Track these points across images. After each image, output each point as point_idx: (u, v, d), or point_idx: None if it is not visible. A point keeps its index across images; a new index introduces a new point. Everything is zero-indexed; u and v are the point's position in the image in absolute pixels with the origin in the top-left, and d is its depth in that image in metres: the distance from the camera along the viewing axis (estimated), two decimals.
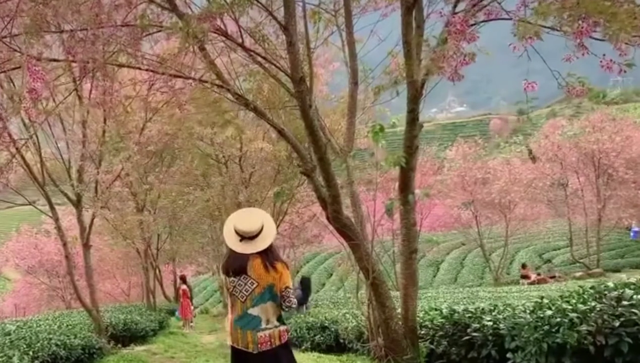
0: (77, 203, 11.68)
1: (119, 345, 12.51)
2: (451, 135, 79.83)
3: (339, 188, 5.80)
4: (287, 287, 4.17)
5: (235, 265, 4.17)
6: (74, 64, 4.97)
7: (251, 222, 4.14)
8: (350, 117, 6.71)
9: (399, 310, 6.41)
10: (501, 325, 5.20)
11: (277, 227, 18.15)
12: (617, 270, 32.54)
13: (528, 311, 4.91)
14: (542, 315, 4.60)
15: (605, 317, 4.25)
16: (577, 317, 4.35)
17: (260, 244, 4.12)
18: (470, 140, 35.47)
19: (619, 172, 31.02)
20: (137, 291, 31.02)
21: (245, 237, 4.12)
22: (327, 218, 5.98)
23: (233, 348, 4.24)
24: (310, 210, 20.51)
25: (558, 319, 4.44)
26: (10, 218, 59.60)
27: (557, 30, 4.24)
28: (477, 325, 5.65)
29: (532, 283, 28.52)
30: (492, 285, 31.30)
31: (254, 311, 4.12)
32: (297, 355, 10.11)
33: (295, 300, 4.27)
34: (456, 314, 6.11)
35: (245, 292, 4.12)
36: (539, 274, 30.90)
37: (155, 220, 17.53)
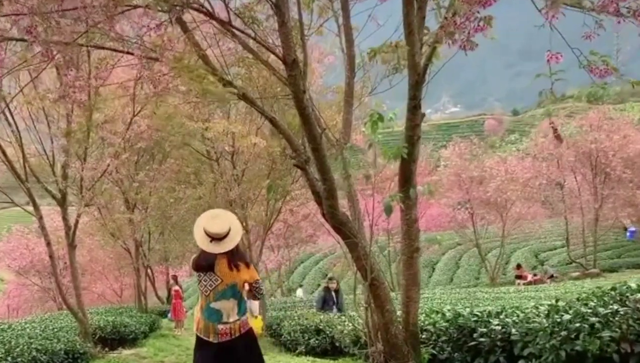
0: (62, 201, 11.24)
1: (107, 349, 12.09)
2: (445, 136, 79.76)
3: (335, 182, 5.37)
4: (256, 280, 4.75)
5: (205, 263, 4.60)
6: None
7: (220, 225, 4.56)
8: (346, 107, 6.28)
9: (398, 313, 6.00)
10: (513, 330, 4.75)
11: (271, 226, 17.87)
12: (614, 270, 32.39)
13: (542, 315, 4.48)
14: (559, 320, 4.17)
15: (630, 322, 3.84)
16: (599, 322, 3.94)
17: (228, 244, 4.56)
18: (467, 139, 35.19)
19: (616, 171, 30.75)
20: (129, 292, 30.56)
21: (215, 238, 4.53)
22: (322, 214, 5.54)
23: (197, 337, 4.70)
24: (307, 208, 20.06)
25: (577, 324, 4.01)
26: (2, 220, 58.89)
27: (576, 7, 3.84)
28: (484, 330, 5.21)
29: (529, 283, 28.26)
30: (489, 285, 31.03)
31: (215, 305, 4.57)
32: (292, 359, 9.80)
33: (264, 290, 5.00)
34: (461, 317, 5.66)
35: (209, 287, 4.57)
36: (535, 274, 30.66)
37: (144, 219, 17.06)
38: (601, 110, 34.14)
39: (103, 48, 4.70)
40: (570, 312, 4.22)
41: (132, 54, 4.42)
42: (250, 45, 5.54)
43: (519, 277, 30.16)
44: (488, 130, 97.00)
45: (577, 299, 4.47)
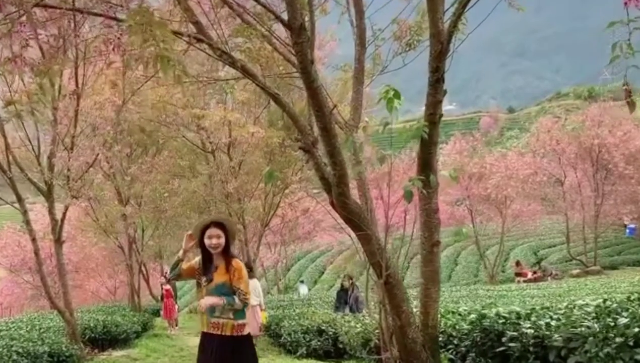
0: (48, 194, 10.61)
1: (96, 350, 11.51)
2: (441, 133, 79.47)
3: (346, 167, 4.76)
4: None
5: None
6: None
7: None
8: (356, 86, 5.69)
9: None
10: (555, 335, 4.11)
11: (269, 221, 17.30)
12: (614, 267, 32.10)
13: (590, 317, 3.86)
14: (612, 324, 3.58)
15: None
16: None
17: None
18: (468, 136, 34.70)
19: (618, 168, 30.32)
20: (124, 290, 29.99)
21: None
22: (331, 203, 4.92)
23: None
24: (314, 200, 19.40)
25: (636, 329, 3.42)
26: None
27: None
28: (515, 334, 4.59)
29: (529, 281, 27.78)
30: (488, 283, 30.57)
31: None
32: (292, 362, 9.24)
33: None
34: (486, 319, 5.05)
35: None
36: (534, 272, 30.21)
37: (138, 213, 16.44)
38: (602, 106, 33.69)
39: (57, 8, 4.00)
40: (626, 314, 3.63)
41: (95, 14, 3.78)
42: (250, 16, 4.96)
43: (518, 274, 29.72)
44: (484, 128, 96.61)
45: (629, 299, 3.88)
